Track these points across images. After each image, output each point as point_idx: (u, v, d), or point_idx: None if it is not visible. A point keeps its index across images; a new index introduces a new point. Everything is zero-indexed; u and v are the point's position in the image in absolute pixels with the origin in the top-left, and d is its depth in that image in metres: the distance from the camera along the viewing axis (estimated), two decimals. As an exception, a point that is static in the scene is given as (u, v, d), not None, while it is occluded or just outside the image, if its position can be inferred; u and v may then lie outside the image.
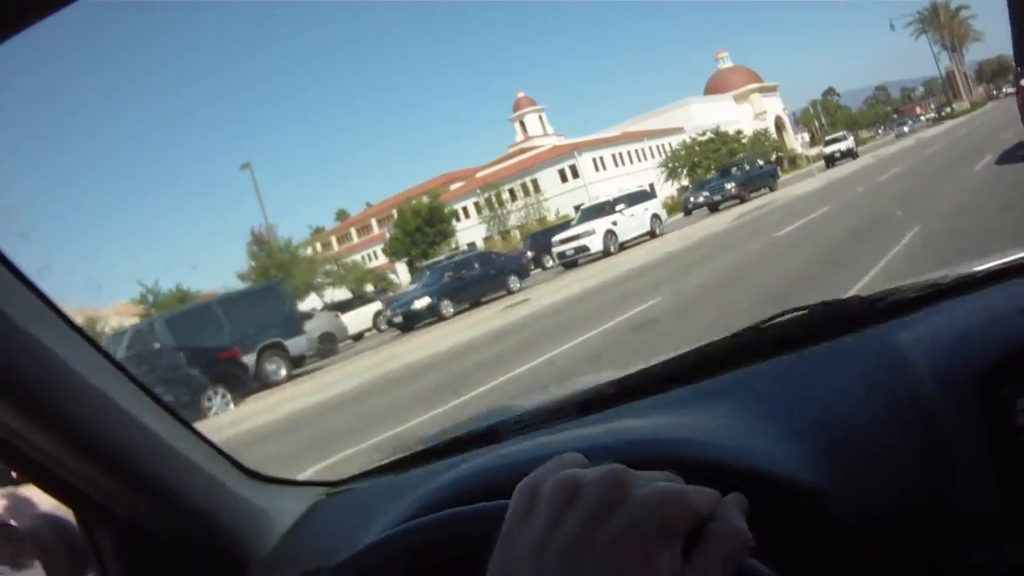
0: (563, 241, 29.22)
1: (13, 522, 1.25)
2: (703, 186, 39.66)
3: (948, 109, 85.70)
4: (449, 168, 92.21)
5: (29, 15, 0.80)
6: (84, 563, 1.17)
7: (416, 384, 11.84)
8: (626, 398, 1.34)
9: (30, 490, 1.23)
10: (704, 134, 60.36)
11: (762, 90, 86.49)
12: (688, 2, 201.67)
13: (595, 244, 28.18)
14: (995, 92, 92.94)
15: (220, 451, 1.28)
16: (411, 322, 23.53)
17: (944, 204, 12.67)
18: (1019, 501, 0.84)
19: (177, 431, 1.18)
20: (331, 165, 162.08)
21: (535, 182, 68.58)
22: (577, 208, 39.74)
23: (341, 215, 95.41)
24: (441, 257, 35.24)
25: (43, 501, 1.26)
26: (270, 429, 12.30)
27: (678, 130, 70.41)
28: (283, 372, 19.83)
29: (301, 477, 1.55)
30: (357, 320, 28.98)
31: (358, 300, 32.98)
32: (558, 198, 64.36)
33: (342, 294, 39.16)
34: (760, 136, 67.52)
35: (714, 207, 35.84)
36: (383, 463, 1.53)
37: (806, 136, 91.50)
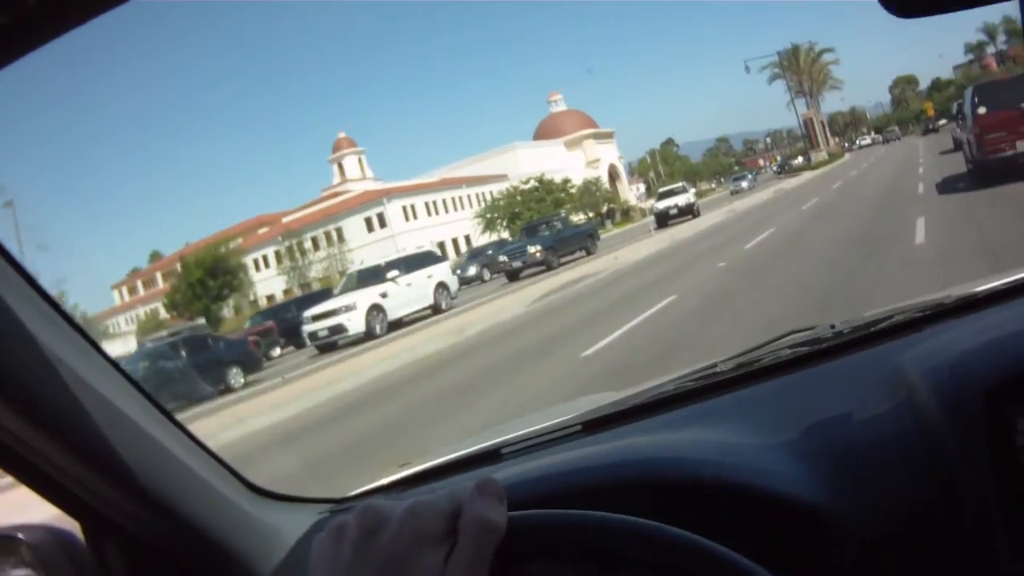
0: (316, 318, 22.18)
1: (20, 535, 1.21)
2: (503, 248, 32.97)
3: (797, 161, 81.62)
4: (269, 210, 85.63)
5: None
6: None
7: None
8: (631, 417, 1.36)
9: (35, 502, 1.11)
10: (527, 182, 56.82)
11: (596, 136, 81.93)
12: (525, 42, 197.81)
13: (355, 323, 21.41)
14: (848, 144, 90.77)
15: (226, 466, 1.25)
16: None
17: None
18: (1021, 520, 0.85)
19: (185, 445, 1.16)
20: (147, 204, 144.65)
21: (339, 230, 64.71)
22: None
23: (155, 256, 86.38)
24: (160, 335, 25.86)
25: (49, 514, 1.19)
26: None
27: (501, 177, 68.38)
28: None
29: (305, 495, 1.45)
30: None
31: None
32: (364, 249, 58.96)
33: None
34: (590, 185, 62.98)
35: (514, 275, 27.32)
36: (387, 481, 1.51)
37: (642, 187, 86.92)
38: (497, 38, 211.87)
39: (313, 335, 22.00)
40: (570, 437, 1.37)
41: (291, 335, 26.49)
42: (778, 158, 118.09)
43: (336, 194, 73.93)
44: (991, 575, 0.84)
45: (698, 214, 36.54)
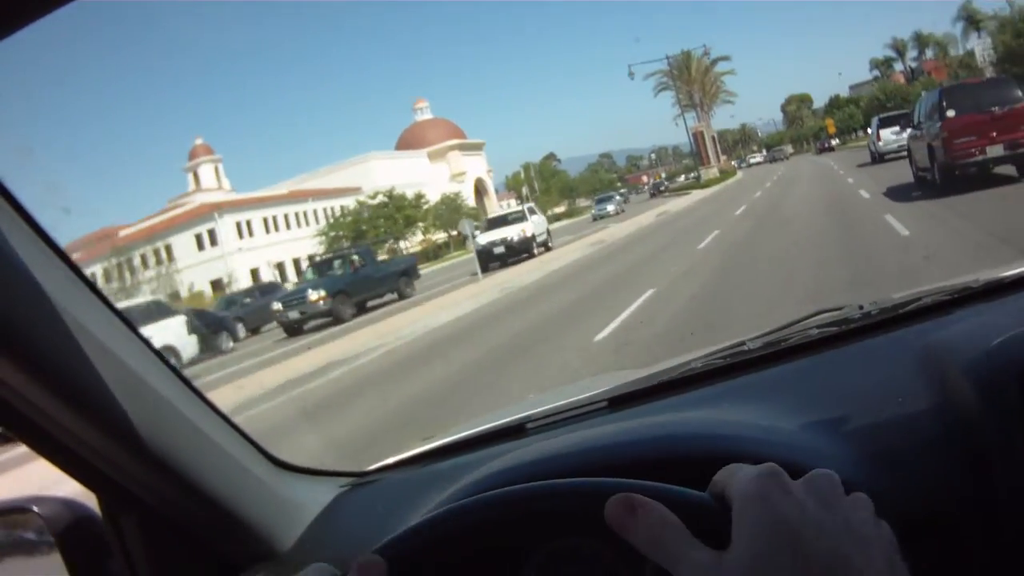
0: None
1: (34, 507, 1.19)
2: (276, 294, 25.74)
3: (681, 179, 76.82)
4: (119, 222, 73.34)
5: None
6: (106, 551, 1.14)
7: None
8: (658, 394, 1.35)
9: (51, 473, 1.10)
10: (375, 196, 52.97)
11: (463, 147, 76.56)
12: (392, 44, 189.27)
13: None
14: (738, 162, 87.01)
15: (248, 438, 1.24)
16: None
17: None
18: None
19: (206, 415, 1.15)
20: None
21: (168, 248, 57.93)
22: (214, 284, 32.42)
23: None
24: None
25: (64, 485, 1.18)
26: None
27: (355, 190, 63.82)
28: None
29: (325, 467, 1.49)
30: None
31: None
32: (193, 269, 54.33)
33: None
34: (448, 201, 56.05)
35: (293, 330, 20.83)
36: (408, 455, 1.49)
37: (513, 203, 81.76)
38: (365, 39, 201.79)
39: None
40: (596, 413, 1.37)
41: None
42: (662, 175, 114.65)
43: (179, 206, 65.76)
44: None
45: (548, 247, 28.89)
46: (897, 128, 25.80)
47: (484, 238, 27.72)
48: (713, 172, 60.98)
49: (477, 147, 79.70)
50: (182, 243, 57.84)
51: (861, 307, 1.40)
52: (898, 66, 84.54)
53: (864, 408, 1.03)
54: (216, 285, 52.49)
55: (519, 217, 28.96)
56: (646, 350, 7.66)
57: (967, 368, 0.96)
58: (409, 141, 79.65)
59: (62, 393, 0.90)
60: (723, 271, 12.06)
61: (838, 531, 0.53)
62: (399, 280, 23.82)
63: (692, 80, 73.90)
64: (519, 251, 27.20)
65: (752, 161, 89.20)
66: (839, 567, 0.51)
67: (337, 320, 20.49)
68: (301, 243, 58.34)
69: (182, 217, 59.88)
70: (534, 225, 28.56)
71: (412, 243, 55.69)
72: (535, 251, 27.53)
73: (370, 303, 22.65)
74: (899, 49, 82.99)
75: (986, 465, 0.88)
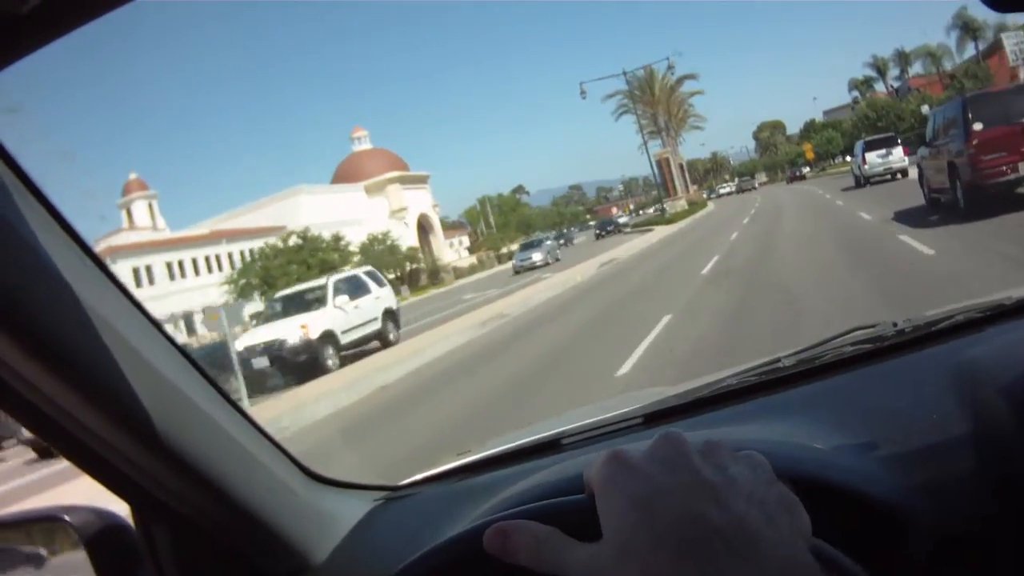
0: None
1: (66, 516, 1.19)
2: None
3: (648, 211, 69.60)
4: None
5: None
6: (137, 561, 1.15)
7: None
8: (694, 410, 1.36)
9: (84, 483, 1.10)
10: (288, 238, 46.12)
11: (404, 180, 69.40)
12: (330, 71, 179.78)
13: None
14: (708, 193, 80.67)
15: (283, 450, 1.25)
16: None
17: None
18: None
19: (242, 427, 1.14)
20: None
21: None
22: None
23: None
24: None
25: (97, 495, 1.18)
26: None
27: (279, 229, 54.67)
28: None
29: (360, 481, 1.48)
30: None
31: None
32: None
33: None
34: (378, 241, 49.39)
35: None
36: (443, 470, 1.49)
37: (465, 239, 75.11)
38: (303, 62, 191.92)
39: None
40: (631, 429, 1.38)
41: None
42: (631, 206, 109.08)
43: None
44: None
45: (386, 341, 18.92)
46: (883, 151, 26.71)
47: (247, 339, 17.56)
48: (681, 204, 55.10)
49: (421, 180, 72.93)
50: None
51: (895, 324, 1.40)
52: (879, 86, 78.69)
53: (897, 425, 1.04)
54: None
55: (318, 298, 18.21)
56: None
57: (1002, 385, 0.96)
58: (346, 173, 73.16)
59: (96, 401, 0.89)
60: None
61: (686, 490, 0.54)
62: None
63: (656, 101, 67.52)
64: (295, 365, 16.55)
65: (722, 191, 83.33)
66: (698, 524, 0.52)
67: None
68: (209, 291, 51.09)
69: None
70: (338, 315, 17.75)
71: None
72: (332, 359, 17.06)
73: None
74: (880, 67, 77.00)
75: (1020, 484, 0.88)
